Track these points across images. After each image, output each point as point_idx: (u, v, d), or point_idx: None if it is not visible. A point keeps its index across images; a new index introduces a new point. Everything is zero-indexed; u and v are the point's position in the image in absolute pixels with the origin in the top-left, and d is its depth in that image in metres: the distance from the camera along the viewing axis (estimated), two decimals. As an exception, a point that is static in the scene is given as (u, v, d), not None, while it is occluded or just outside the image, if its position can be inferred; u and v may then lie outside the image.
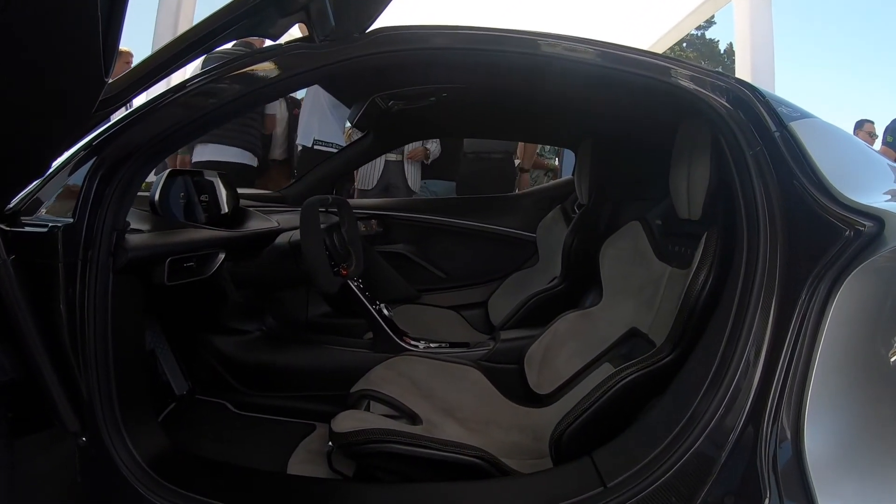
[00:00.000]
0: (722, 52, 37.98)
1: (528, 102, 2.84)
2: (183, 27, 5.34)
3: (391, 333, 2.66)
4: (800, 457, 1.37)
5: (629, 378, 1.78)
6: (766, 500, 1.35)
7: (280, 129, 5.04)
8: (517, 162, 5.40)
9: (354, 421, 1.91)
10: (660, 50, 8.37)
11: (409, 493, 1.74)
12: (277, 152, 5.08)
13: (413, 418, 2.06)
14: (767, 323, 1.46)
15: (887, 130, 5.75)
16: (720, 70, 1.73)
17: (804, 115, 1.73)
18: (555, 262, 3.18)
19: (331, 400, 2.41)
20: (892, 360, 1.49)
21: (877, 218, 1.38)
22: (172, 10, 5.56)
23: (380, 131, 3.45)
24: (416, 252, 3.78)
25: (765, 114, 1.61)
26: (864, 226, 1.38)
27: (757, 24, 6.01)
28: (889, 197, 1.64)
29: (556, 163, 5.76)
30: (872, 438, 1.48)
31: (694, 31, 33.78)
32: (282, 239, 2.67)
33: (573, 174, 3.52)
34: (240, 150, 4.43)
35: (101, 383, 1.63)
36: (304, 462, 2.22)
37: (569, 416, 1.86)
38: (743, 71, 6.10)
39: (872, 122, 6.55)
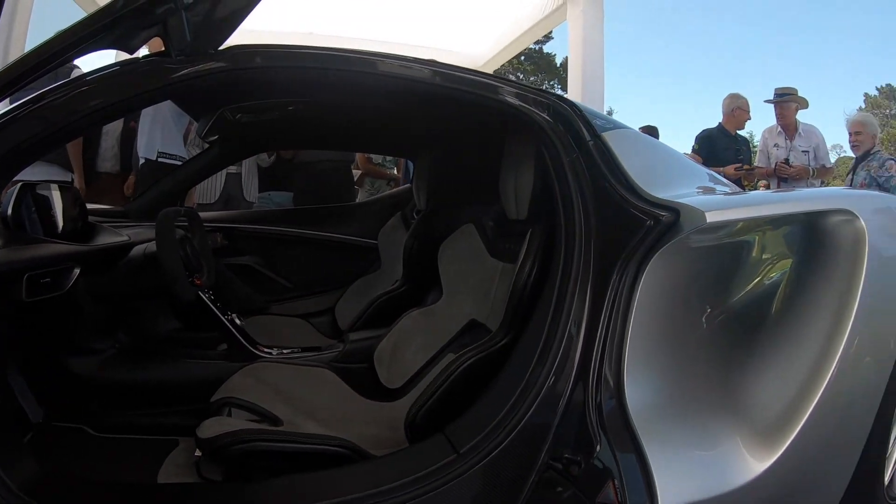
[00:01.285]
0: (558, 65, 39.39)
1: (370, 116, 2.95)
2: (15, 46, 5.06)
3: (245, 342, 2.70)
4: (623, 410, 1.60)
5: (468, 361, 1.98)
6: (598, 449, 1.56)
7: (109, 142, 4.87)
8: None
9: (220, 426, 1.97)
10: (500, 62, 8.74)
11: (277, 486, 1.80)
12: (108, 165, 4.89)
13: (275, 421, 2.12)
14: (585, 301, 1.71)
15: (696, 139, 6.29)
16: (543, 88, 1.99)
17: (617, 126, 2.02)
18: (396, 266, 3.32)
19: (191, 413, 2.38)
20: (705, 324, 1.82)
21: (673, 209, 1.66)
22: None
23: (226, 143, 3.45)
24: (262, 263, 3.80)
25: (581, 126, 1.85)
26: (663, 216, 1.65)
27: (589, 40, 6.31)
28: (695, 193, 1.96)
29: (396, 171, 5.90)
30: (691, 389, 1.77)
31: (532, 46, 34.88)
32: (136, 251, 2.66)
33: (410, 182, 3.69)
34: (46, 165, 4.18)
35: None
36: (173, 476, 2.22)
37: (419, 400, 2.03)
38: (575, 82, 6.48)
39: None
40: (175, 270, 2.44)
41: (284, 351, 2.79)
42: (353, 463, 1.90)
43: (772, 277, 2.01)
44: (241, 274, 3.66)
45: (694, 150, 6.16)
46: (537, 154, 2.02)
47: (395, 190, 4.70)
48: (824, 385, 1.81)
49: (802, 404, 1.80)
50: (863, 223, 1.93)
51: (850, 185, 5.35)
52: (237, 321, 2.78)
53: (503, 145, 2.27)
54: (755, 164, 6.18)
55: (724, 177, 4.81)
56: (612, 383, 1.64)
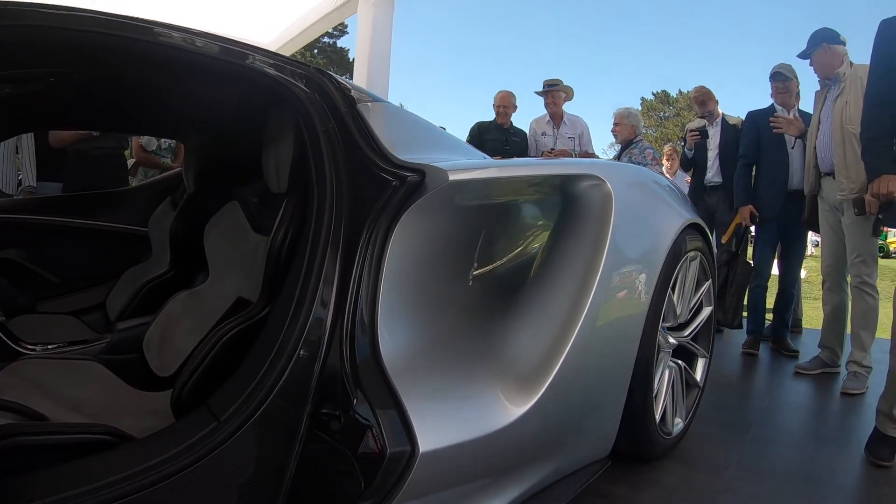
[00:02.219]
0: (351, 59, 39.86)
1: (136, 92, 2.74)
2: None
3: (5, 339, 2.51)
4: (378, 364, 1.63)
5: (229, 333, 1.93)
6: (354, 402, 1.57)
7: None
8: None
9: None
10: (288, 52, 8.48)
11: (36, 478, 1.63)
12: None
13: (40, 419, 1.97)
14: (336, 261, 1.72)
15: (469, 131, 6.65)
16: (301, 61, 1.94)
17: (376, 100, 2.04)
18: (167, 252, 3.19)
19: None
20: (463, 281, 1.91)
21: (419, 170, 1.72)
22: None
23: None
24: (26, 257, 3.46)
25: (337, 97, 1.87)
26: (408, 176, 1.71)
27: (377, 32, 6.35)
28: (449, 159, 1.99)
29: (171, 161, 5.68)
30: (449, 342, 1.84)
31: (326, 39, 34.71)
32: None
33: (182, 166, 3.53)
34: None
35: None
36: None
37: (181, 378, 1.95)
38: (360, 75, 6.46)
39: None
40: None
41: (49, 347, 2.62)
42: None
43: (529, 237, 2.14)
44: (3, 270, 3.33)
45: (467, 141, 6.43)
46: (296, 126, 2.00)
47: (164, 174, 4.45)
48: (575, 333, 1.94)
49: (556, 352, 1.91)
50: (610, 187, 2.11)
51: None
52: None
53: (266, 124, 2.22)
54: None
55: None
56: (365, 339, 1.66)
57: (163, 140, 5.66)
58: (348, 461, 1.56)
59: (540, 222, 2.17)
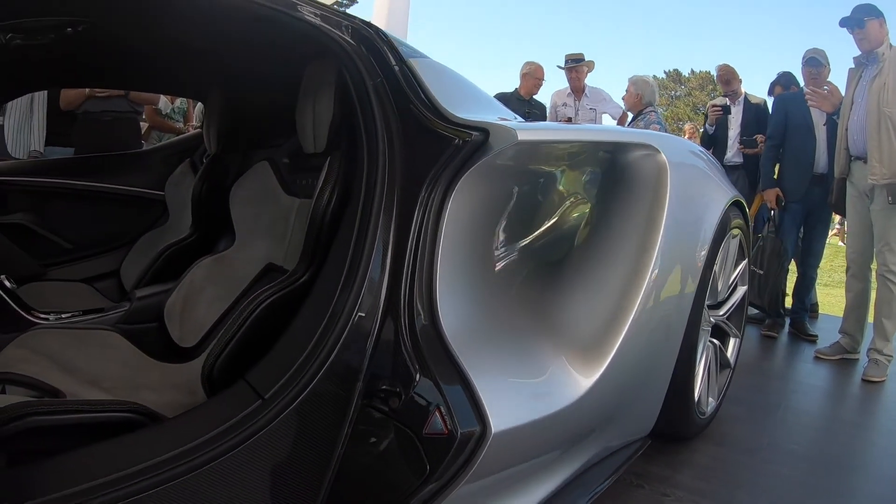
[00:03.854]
0: (372, 18, 40.39)
1: (156, 45, 2.61)
2: None
3: (16, 307, 2.42)
4: (440, 337, 1.52)
5: (267, 301, 1.81)
6: (417, 378, 1.47)
7: None
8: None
9: None
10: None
11: (56, 465, 1.50)
12: None
13: (56, 395, 1.87)
14: (391, 224, 1.62)
15: None
16: (346, 12, 1.82)
17: (422, 56, 1.93)
18: (185, 217, 3.10)
19: None
20: (517, 248, 1.85)
21: (483, 129, 1.61)
22: None
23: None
24: (36, 222, 3.34)
25: (386, 50, 1.74)
26: (472, 135, 1.60)
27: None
28: (499, 120, 1.87)
29: (183, 125, 5.59)
30: (506, 311, 1.76)
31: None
32: None
33: (202, 126, 3.40)
34: None
35: None
36: None
37: (213, 350, 1.85)
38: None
39: None
40: None
41: (63, 315, 2.51)
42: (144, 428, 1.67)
43: (581, 205, 2.07)
44: (12, 235, 3.18)
45: None
46: (338, 81, 1.89)
47: (182, 136, 4.36)
48: (636, 307, 1.89)
49: (618, 324, 1.86)
50: (665, 158, 2.04)
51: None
52: (6, 284, 2.48)
53: (301, 79, 2.09)
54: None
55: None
56: (424, 309, 1.56)
57: (177, 102, 5.56)
58: (411, 442, 1.46)
59: (590, 191, 2.10)
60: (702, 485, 2.29)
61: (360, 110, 1.76)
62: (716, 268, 2.45)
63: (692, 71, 50.13)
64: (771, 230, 5.02)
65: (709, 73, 50.31)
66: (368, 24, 1.79)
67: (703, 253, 2.25)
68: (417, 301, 1.55)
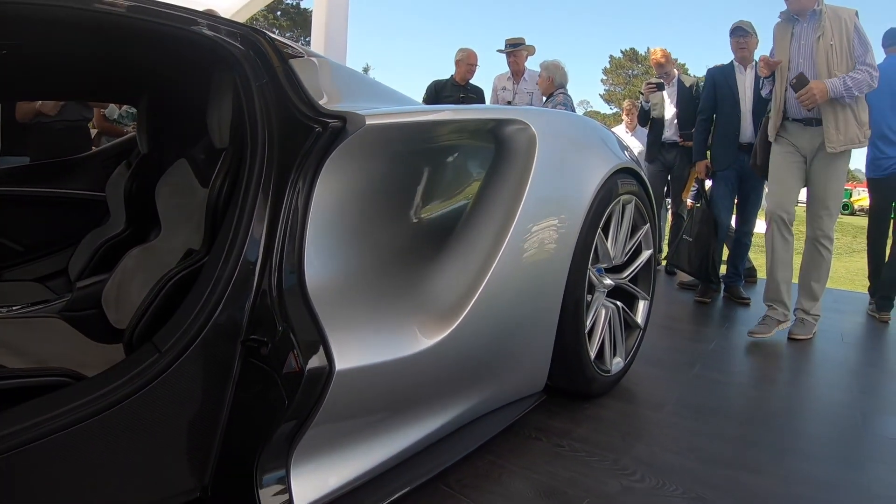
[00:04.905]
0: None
1: (83, 58, 2.80)
2: None
3: None
4: (304, 295, 1.75)
5: (174, 279, 2.04)
6: (280, 329, 1.70)
7: None
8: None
9: None
10: (247, 14, 8.66)
11: None
12: None
13: None
14: (266, 206, 1.84)
15: (426, 89, 6.84)
16: (235, 20, 2.04)
17: (310, 55, 2.15)
18: (122, 213, 3.28)
19: None
20: (392, 223, 2.05)
21: (340, 117, 1.84)
22: None
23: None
24: None
25: (271, 52, 1.96)
26: (330, 122, 1.83)
27: None
28: (380, 106, 2.10)
29: (130, 129, 5.69)
30: (371, 277, 1.97)
31: (289, 1, 34.63)
32: None
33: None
34: None
35: None
36: None
37: (132, 321, 2.05)
38: (318, 35, 6.60)
39: None
40: None
41: (13, 308, 2.72)
42: None
43: (459, 182, 2.30)
44: (-34, 241, 3.41)
45: (423, 99, 6.62)
46: (234, 83, 2.10)
47: (119, 140, 4.49)
48: (491, 270, 2.10)
49: (473, 289, 2.08)
50: (535, 131, 2.25)
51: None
52: None
53: (201, 76, 2.31)
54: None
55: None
56: (292, 274, 1.78)
57: (123, 108, 5.70)
58: (274, 382, 1.67)
59: (471, 167, 2.30)
60: (601, 437, 2.43)
61: (247, 108, 1.97)
62: (605, 233, 2.62)
63: (648, 49, 49.99)
64: (700, 201, 5.24)
65: (664, 50, 52.73)
66: (255, 31, 2.00)
67: (578, 217, 2.41)
68: (287, 267, 1.77)
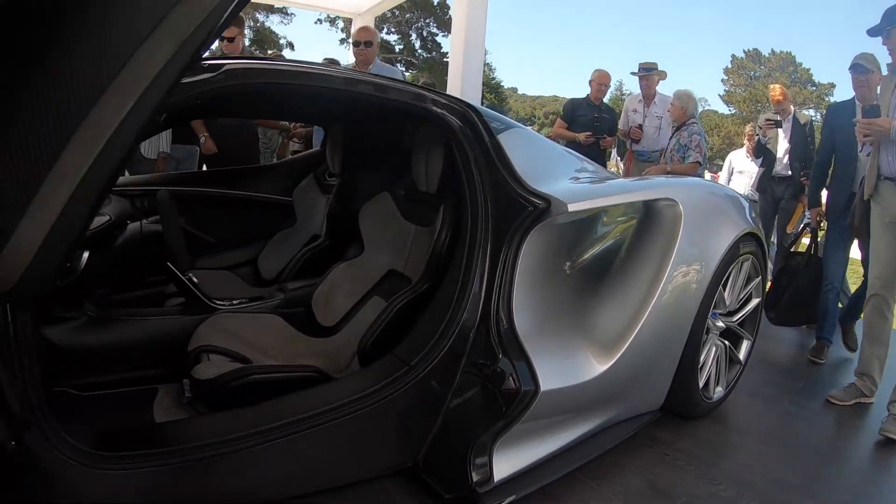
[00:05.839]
0: (435, 4, 40.85)
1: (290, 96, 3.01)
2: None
3: (202, 297, 2.97)
4: (514, 332, 2.29)
5: (402, 303, 2.59)
6: (500, 356, 2.25)
7: None
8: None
9: (212, 368, 2.42)
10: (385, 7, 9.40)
11: (268, 407, 2.19)
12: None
13: (244, 361, 2.56)
14: (486, 261, 2.37)
15: (563, 106, 7.03)
16: (456, 97, 2.52)
17: (510, 126, 2.65)
18: (312, 221, 3.78)
19: (161, 364, 2.75)
20: (568, 274, 2.54)
21: (546, 199, 2.32)
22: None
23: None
24: (187, 222, 3.89)
25: (482, 128, 2.45)
26: (539, 204, 2.32)
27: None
28: (567, 181, 2.65)
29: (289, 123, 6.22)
30: (557, 318, 2.50)
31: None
32: (132, 229, 3.00)
33: (322, 147, 4.10)
34: None
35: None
36: (167, 416, 2.47)
37: (367, 333, 2.61)
38: (458, 26, 7.01)
39: None
40: (179, 245, 2.81)
41: (234, 302, 3.15)
42: (318, 384, 2.39)
43: (616, 241, 2.77)
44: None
45: (560, 116, 6.88)
46: (446, 144, 2.59)
47: (306, 153, 4.97)
48: (646, 314, 2.60)
49: (631, 327, 2.58)
50: (681, 209, 2.74)
51: (667, 148, 6.20)
52: (194, 279, 3.00)
53: (406, 127, 2.92)
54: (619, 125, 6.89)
55: (579, 144, 5.90)
56: (505, 315, 2.30)
57: None
58: (493, 395, 2.22)
59: (623, 229, 2.79)
60: (697, 450, 2.92)
61: (464, 173, 2.44)
62: (724, 286, 3.09)
63: (772, 51, 48.17)
64: (811, 248, 4.89)
65: (790, 53, 47.21)
66: (470, 107, 2.47)
67: (708, 275, 2.90)
68: (501, 310, 2.30)
